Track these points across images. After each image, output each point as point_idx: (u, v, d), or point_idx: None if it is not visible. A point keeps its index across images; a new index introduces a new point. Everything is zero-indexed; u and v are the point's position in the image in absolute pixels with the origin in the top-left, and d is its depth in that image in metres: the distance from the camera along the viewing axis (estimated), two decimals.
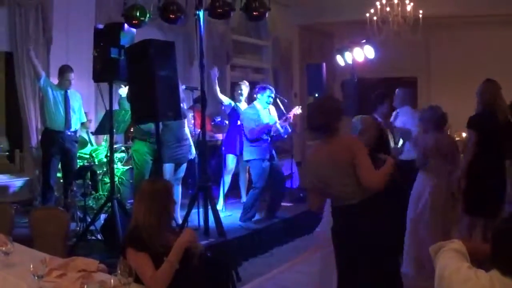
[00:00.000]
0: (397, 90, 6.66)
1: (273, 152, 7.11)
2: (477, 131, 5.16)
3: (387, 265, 3.65)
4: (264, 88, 7.09)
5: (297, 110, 7.43)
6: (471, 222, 5.30)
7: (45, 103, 6.58)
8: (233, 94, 8.72)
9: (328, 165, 3.58)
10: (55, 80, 6.82)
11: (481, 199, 5.10)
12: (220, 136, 8.12)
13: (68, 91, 6.63)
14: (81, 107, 6.85)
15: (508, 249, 2.05)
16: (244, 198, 7.66)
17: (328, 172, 3.59)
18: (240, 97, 7.81)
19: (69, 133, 6.63)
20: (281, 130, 7.11)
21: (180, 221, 6.14)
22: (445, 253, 2.31)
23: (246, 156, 6.98)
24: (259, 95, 7.04)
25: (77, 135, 6.92)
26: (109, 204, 5.61)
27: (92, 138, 7.37)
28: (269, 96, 7.04)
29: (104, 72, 5.45)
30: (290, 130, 7.41)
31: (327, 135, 3.66)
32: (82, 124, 7.00)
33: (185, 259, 3.24)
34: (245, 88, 7.83)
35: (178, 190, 6.61)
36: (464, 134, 9.03)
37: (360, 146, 3.62)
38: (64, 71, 6.60)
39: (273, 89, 7.19)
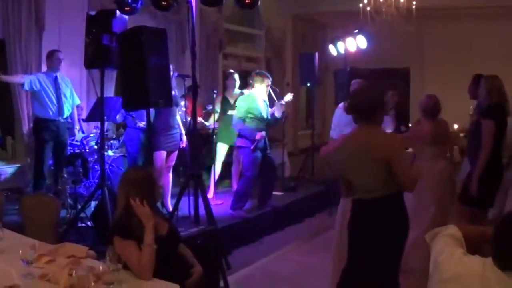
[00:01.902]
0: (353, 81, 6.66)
1: (267, 142, 7.04)
2: (496, 121, 4.90)
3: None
4: (263, 76, 6.91)
5: (289, 96, 7.38)
6: (469, 213, 5.17)
7: (36, 96, 6.52)
8: (225, 83, 8.72)
9: (360, 155, 3.50)
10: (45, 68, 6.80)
11: (493, 191, 4.99)
12: (211, 125, 8.12)
13: (58, 76, 6.59)
14: (72, 91, 6.81)
15: (508, 247, 2.06)
16: (235, 187, 7.67)
17: (357, 162, 3.52)
18: (233, 87, 7.82)
19: (62, 120, 6.62)
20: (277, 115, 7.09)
21: (170, 209, 6.15)
22: (441, 238, 2.33)
23: (237, 142, 6.90)
24: (256, 84, 6.88)
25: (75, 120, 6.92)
26: (100, 191, 5.61)
27: (84, 125, 7.36)
28: (266, 86, 6.91)
29: (96, 59, 5.43)
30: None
31: (367, 122, 3.54)
32: (77, 106, 6.99)
33: (172, 245, 3.26)
34: (236, 77, 7.87)
35: (168, 178, 6.63)
36: (456, 126, 9.06)
37: (400, 148, 3.59)
38: (51, 52, 6.59)
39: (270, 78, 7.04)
